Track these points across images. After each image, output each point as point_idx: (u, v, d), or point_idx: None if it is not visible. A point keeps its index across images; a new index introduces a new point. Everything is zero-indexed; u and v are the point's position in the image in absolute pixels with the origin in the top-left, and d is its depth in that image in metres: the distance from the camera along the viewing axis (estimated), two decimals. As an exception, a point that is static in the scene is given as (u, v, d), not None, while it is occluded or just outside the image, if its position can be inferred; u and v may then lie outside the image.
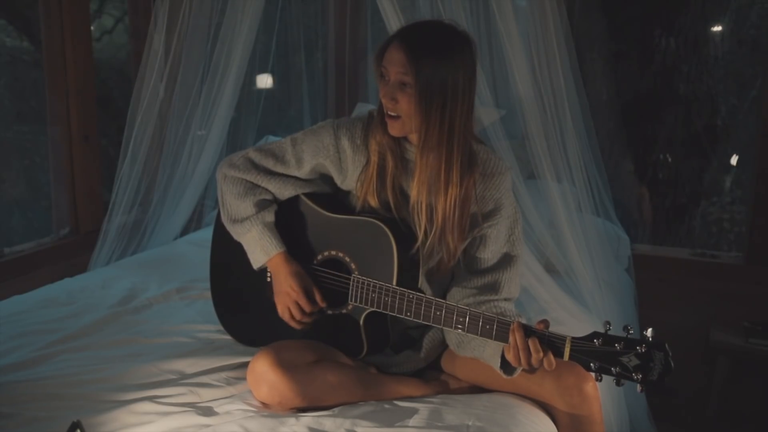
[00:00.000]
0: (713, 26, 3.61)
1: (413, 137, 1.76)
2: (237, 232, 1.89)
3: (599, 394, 1.71)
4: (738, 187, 3.74)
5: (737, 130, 3.70)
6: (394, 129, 1.73)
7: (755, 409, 3.03)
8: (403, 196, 1.82)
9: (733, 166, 3.74)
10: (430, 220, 1.76)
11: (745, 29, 3.62)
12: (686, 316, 3.02)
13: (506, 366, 1.67)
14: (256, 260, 1.87)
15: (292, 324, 1.85)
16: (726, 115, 3.71)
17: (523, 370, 1.64)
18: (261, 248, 1.85)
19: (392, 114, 1.71)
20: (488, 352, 1.70)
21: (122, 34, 4.13)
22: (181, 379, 1.83)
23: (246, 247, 1.89)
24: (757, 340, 2.84)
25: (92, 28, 3.18)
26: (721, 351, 2.91)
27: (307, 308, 1.82)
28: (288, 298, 1.82)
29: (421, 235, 1.77)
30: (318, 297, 1.84)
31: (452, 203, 1.73)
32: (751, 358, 2.88)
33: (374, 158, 1.79)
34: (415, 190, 1.75)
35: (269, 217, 1.87)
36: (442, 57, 1.64)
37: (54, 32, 2.79)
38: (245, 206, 1.86)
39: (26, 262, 2.72)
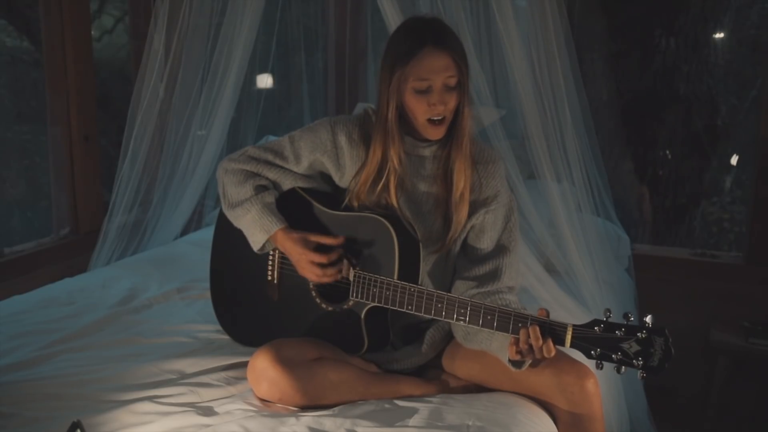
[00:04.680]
0: (713, 26, 3.61)
1: (429, 133, 1.78)
2: (236, 216, 1.88)
3: (600, 391, 1.71)
4: (738, 187, 3.74)
5: (737, 130, 3.69)
6: (439, 132, 1.78)
7: (755, 409, 3.03)
8: (409, 194, 1.84)
9: (733, 166, 3.74)
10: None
11: (745, 29, 3.62)
12: (686, 316, 3.01)
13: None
14: (256, 241, 1.86)
15: (324, 281, 1.82)
16: (726, 115, 3.71)
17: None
18: (260, 227, 1.84)
19: (440, 118, 1.75)
20: (495, 344, 1.71)
21: (122, 34, 4.13)
22: (181, 379, 1.83)
23: (246, 231, 1.88)
24: (757, 340, 2.84)
25: (92, 28, 3.18)
26: (721, 351, 2.90)
27: (319, 260, 1.79)
28: (302, 262, 1.81)
29: (457, 225, 1.80)
30: (323, 240, 1.81)
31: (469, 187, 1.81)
32: (751, 358, 2.88)
33: (375, 163, 1.79)
34: (461, 183, 1.79)
35: (269, 198, 1.87)
36: (463, 50, 1.77)
37: (54, 32, 2.79)
38: (245, 190, 1.86)
39: (26, 262, 2.72)
